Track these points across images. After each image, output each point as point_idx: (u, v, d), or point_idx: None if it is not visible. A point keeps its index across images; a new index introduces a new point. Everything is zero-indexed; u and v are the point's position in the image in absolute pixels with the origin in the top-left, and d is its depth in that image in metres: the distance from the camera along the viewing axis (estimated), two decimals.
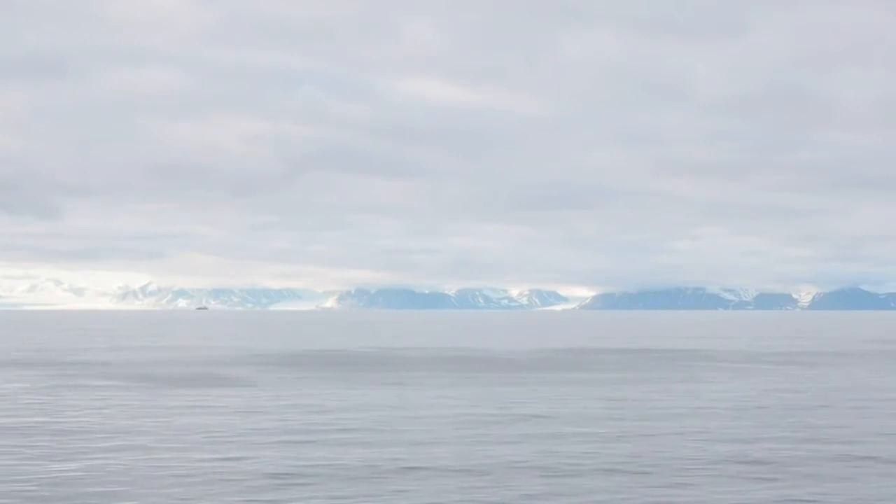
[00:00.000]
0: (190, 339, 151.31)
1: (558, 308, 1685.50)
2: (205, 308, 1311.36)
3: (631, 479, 30.58)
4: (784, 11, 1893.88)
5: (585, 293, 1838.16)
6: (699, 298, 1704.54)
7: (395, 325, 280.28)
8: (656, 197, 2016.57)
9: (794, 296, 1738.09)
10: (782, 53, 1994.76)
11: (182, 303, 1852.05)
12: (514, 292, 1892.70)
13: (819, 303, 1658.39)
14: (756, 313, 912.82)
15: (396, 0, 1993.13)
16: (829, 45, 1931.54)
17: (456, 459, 33.62)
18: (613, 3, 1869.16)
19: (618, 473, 31.35)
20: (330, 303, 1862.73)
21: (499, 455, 34.54)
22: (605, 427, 42.23)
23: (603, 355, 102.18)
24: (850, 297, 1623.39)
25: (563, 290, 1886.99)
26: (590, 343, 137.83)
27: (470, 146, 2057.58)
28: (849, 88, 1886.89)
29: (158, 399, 53.71)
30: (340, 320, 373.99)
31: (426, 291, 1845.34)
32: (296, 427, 42.30)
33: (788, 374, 75.18)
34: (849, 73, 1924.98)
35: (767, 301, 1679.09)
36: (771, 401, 54.28)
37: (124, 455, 34.52)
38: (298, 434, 40.25)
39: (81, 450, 35.88)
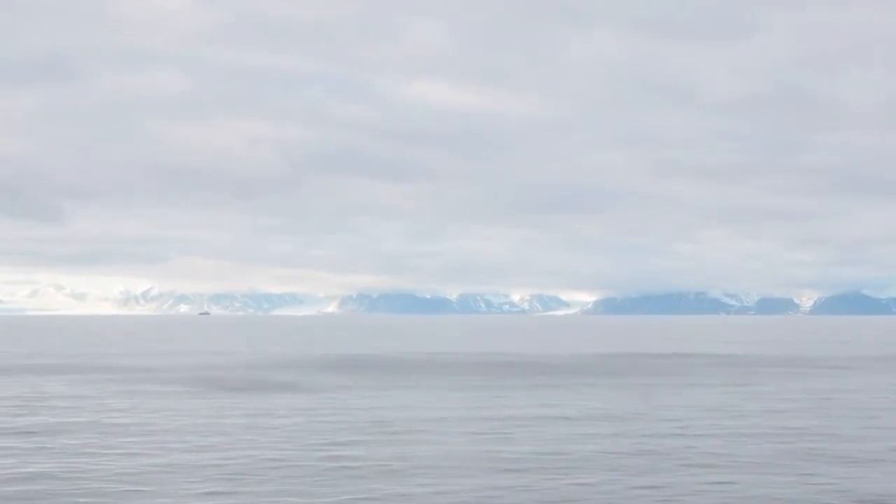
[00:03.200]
0: (214, 344, 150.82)
1: (560, 313, 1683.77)
2: (207, 313, 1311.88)
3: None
4: (787, 12, 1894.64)
5: (587, 298, 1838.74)
6: (701, 303, 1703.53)
7: (410, 329, 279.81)
8: (658, 199, 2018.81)
9: (796, 300, 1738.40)
10: (785, 54, 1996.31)
11: (183, 308, 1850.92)
12: (516, 297, 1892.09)
13: (821, 307, 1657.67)
14: (759, 318, 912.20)
15: (398, 1, 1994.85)
16: (833, 46, 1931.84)
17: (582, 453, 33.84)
18: (615, 4, 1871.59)
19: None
20: (331, 307, 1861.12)
21: (614, 447, 35.56)
22: (735, 426, 43.34)
23: (646, 360, 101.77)
24: (851, 302, 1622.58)
25: (565, 295, 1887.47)
26: (621, 348, 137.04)
27: (472, 148, 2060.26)
28: (852, 90, 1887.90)
29: (237, 402, 53.70)
30: (351, 325, 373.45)
31: (428, 296, 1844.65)
32: (401, 427, 42.25)
33: (849, 378, 74.92)
34: (852, 75, 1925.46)
35: (769, 306, 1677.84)
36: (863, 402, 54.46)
37: (264, 451, 35.49)
38: (405, 433, 40.42)
39: (215, 445, 37.16)
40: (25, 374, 77.46)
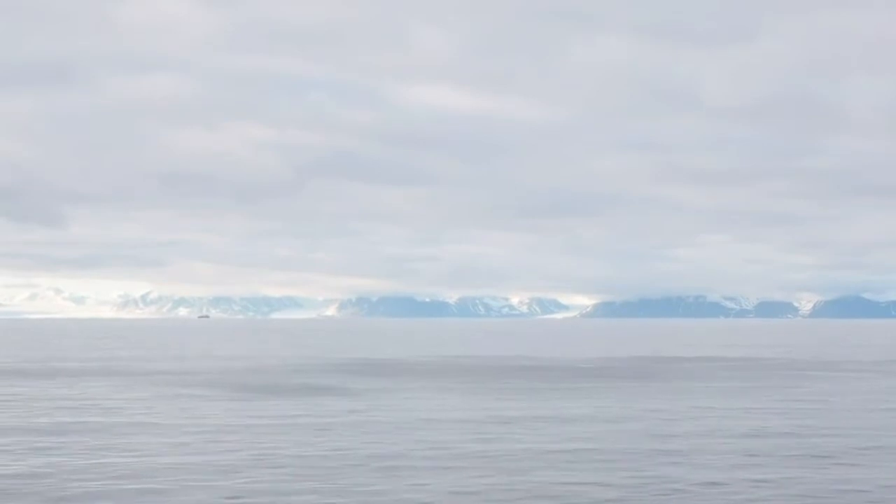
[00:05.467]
0: (229, 348, 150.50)
1: (559, 316, 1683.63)
2: (207, 316, 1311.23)
3: None
4: (792, 16, 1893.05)
5: (586, 301, 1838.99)
6: (700, 306, 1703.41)
7: (419, 333, 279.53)
8: (664, 204, 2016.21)
9: (796, 304, 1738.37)
10: (790, 59, 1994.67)
11: (182, 311, 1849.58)
12: (515, 300, 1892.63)
13: (820, 311, 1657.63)
14: (759, 321, 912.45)
15: (404, 6, 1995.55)
16: (837, 50, 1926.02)
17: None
18: (622, 9, 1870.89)
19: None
20: (330, 311, 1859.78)
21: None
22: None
23: (675, 363, 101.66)
24: (851, 305, 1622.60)
25: (564, 298, 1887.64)
26: (641, 351, 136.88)
27: (475, 152, 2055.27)
28: (856, 94, 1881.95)
29: (304, 403, 54.04)
30: (355, 329, 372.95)
31: (427, 300, 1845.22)
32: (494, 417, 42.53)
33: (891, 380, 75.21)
34: (858, 80, 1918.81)
35: (768, 309, 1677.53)
36: None
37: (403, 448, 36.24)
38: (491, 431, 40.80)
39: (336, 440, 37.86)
40: (67, 377, 77.62)
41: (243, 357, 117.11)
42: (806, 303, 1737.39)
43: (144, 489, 29.77)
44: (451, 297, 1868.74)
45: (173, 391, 63.71)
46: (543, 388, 67.59)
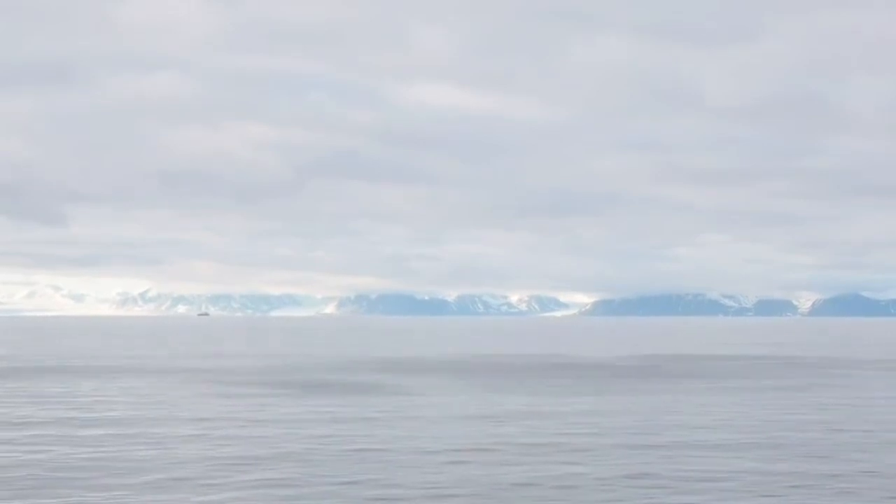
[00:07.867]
0: (250, 346, 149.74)
1: (558, 314, 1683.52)
2: (206, 314, 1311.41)
3: None
4: (795, 17, 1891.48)
5: (585, 299, 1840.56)
6: (699, 304, 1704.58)
7: (427, 331, 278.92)
8: (664, 204, 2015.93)
9: (795, 302, 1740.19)
10: (791, 59, 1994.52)
11: (181, 309, 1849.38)
12: (514, 298, 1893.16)
13: (819, 309, 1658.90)
14: (759, 320, 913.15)
15: (404, 6, 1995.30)
16: (839, 50, 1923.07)
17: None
18: (623, 9, 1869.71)
19: None
20: (329, 308, 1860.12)
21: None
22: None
23: (711, 362, 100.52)
24: (850, 304, 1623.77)
25: (563, 297, 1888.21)
26: (668, 349, 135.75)
27: (478, 153, 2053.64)
28: (857, 94, 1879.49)
29: (358, 401, 52.75)
30: (361, 327, 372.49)
31: (426, 297, 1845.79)
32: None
33: None
34: (858, 80, 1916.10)
35: (767, 307, 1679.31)
36: None
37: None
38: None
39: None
40: (105, 374, 76.53)
41: (267, 354, 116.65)
42: (805, 301, 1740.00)
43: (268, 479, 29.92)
44: (451, 295, 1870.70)
45: (222, 389, 62.69)
46: (597, 385, 66.49)
